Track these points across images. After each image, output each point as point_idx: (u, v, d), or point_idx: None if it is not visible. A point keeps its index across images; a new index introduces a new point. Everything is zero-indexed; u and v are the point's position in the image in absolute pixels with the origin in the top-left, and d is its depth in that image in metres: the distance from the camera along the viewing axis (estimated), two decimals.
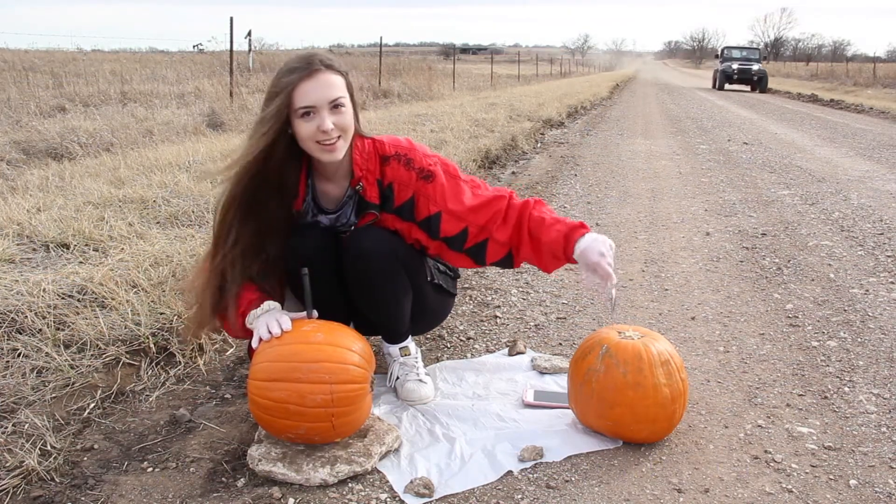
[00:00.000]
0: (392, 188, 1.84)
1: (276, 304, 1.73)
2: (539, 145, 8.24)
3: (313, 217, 1.88)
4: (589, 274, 1.76)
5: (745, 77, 26.18)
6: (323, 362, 1.57)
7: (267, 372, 1.58)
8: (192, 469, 1.64)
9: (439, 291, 2.04)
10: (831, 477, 1.62)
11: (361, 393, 1.61)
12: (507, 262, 1.90)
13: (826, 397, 2.02)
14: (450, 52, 33.67)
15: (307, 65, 1.67)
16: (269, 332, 1.62)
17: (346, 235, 1.87)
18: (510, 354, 2.29)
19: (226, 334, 2.35)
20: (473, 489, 1.57)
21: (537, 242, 1.83)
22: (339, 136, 1.71)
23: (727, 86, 26.82)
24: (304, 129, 1.68)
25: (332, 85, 1.69)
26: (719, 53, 29.20)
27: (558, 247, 1.78)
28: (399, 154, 1.84)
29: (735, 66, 26.35)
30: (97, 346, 2.11)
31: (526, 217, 1.84)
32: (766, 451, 1.72)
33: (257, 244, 1.76)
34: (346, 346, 1.62)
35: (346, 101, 1.72)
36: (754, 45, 31.23)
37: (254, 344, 1.65)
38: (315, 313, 1.72)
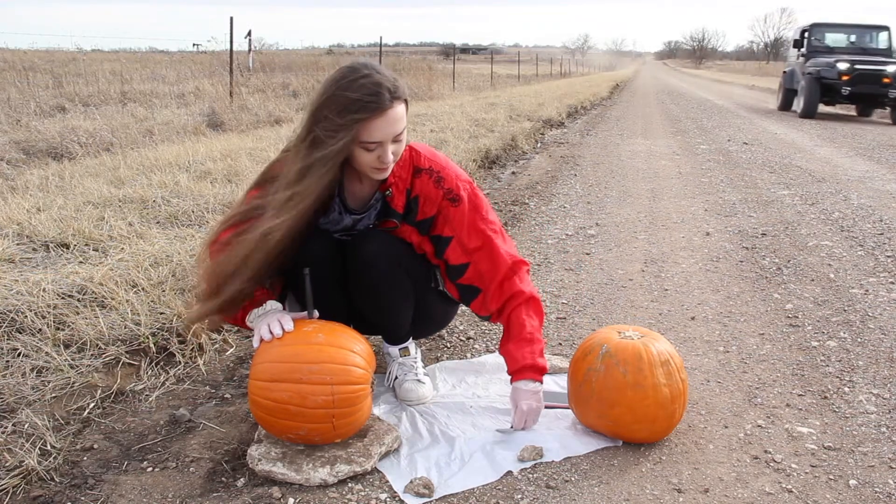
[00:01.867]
0: (417, 201, 1.82)
1: (279, 305, 1.72)
2: (539, 145, 8.24)
3: (339, 215, 1.85)
4: (511, 404, 1.83)
5: (869, 91, 11.81)
6: (324, 363, 1.57)
7: (268, 372, 1.58)
8: (191, 469, 1.64)
9: (444, 299, 2.02)
10: (831, 477, 1.62)
11: (363, 394, 1.61)
12: (486, 319, 1.95)
13: (826, 397, 2.02)
14: (450, 52, 33.68)
15: (378, 101, 1.58)
16: (271, 333, 1.62)
17: (350, 240, 1.86)
18: None
19: (226, 334, 2.35)
20: (473, 489, 1.57)
21: (506, 339, 1.87)
22: (394, 161, 1.70)
23: (822, 107, 12.71)
24: (365, 158, 1.65)
25: (400, 119, 1.63)
26: (799, 39, 13.77)
27: (511, 363, 1.84)
28: (432, 169, 1.82)
29: (843, 65, 11.84)
30: (97, 345, 2.11)
31: (512, 307, 1.86)
32: (765, 451, 1.72)
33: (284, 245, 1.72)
34: (347, 347, 1.62)
35: (406, 128, 1.68)
36: (877, 24, 13.93)
37: (254, 344, 1.65)
38: (316, 313, 1.71)
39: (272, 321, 1.63)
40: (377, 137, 1.61)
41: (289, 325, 1.63)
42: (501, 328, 2.53)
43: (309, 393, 1.54)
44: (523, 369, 1.81)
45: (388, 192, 1.80)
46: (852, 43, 13.67)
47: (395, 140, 1.66)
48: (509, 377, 1.84)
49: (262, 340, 1.63)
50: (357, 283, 1.85)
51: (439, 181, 1.82)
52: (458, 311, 2.67)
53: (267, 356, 1.60)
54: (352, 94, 1.58)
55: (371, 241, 1.82)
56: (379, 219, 1.85)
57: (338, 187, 1.82)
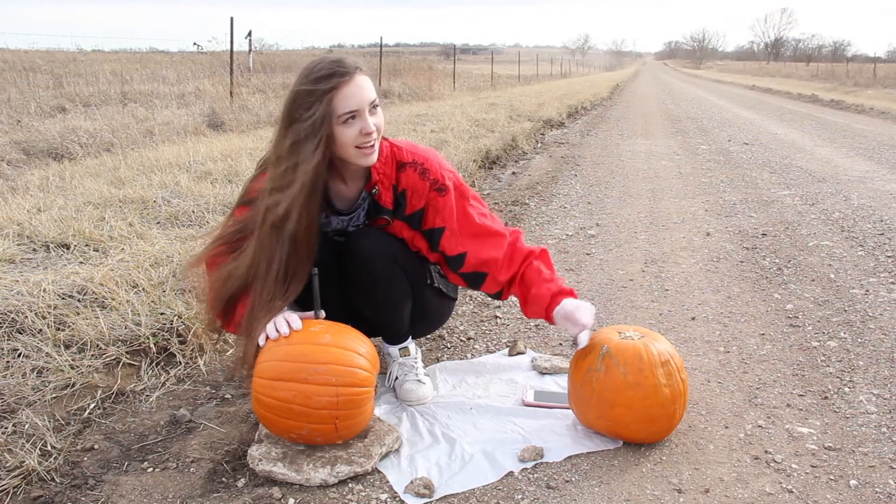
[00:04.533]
0: (405, 195, 1.84)
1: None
2: (539, 145, 8.24)
3: (326, 218, 1.86)
4: (567, 324, 1.80)
5: None
6: (330, 364, 1.56)
7: (273, 371, 1.57)
8: (192, 469, 1.64)
9: (439, 295, 2.04)
10: (831, 477, 1.62)
11: (366, 396, 1.61)
12: (497, 296, 1.96)
13: (826, 397, 2.02)
14: (450, 52, 33.63)
15: (343, 69, 1.63)
16: (277, 331, 1.62)
17: (345, 239, 1.87)
18: (510, 354, 2.29)
19: (226, 335, 2.35)
20: (474, 489, 1.57)
21: (527, 291, 1.88)
22: (377, 138, 1.71)
23: None
24: (347, 135, 1.66)
25: (369, 86, 1.67)
26: None
27: (540, 302, 1.84)
28: (416, 162, 1.84)
29: None
30: (97, 346, 2.11)
31: (526, 265, 1.89)
32: (766, 452, 1.72)
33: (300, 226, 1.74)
34: (353, 349, 1.62)
35: (379, 102, 1.71)
36: None
37: (260, 342, 1.64)
38: (322, 313, 1.71)
39: (279, 320, 1.63)
40: (353, 105, 1.63)
41: (297, 324, 1.62)
42: (501, 326, 2.54)
43: (313, 393, 1.54)
44: (554, 296, 1.81)
45: (374, 191, 1.81)
46: None
47: (373, 111, 1.68)
48: (546, 315, 1.82)
49: (268, 339, 1.63)
50: (354, 282, 1.86)
51: (424, 173, 1.84)
52: (459, 312, 2.68)
53: (273, 354, 1.60)
54: (315, 76, 1.63)
55: (366, 239, 1.83)
56: (370, 217, 1.86)
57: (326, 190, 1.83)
